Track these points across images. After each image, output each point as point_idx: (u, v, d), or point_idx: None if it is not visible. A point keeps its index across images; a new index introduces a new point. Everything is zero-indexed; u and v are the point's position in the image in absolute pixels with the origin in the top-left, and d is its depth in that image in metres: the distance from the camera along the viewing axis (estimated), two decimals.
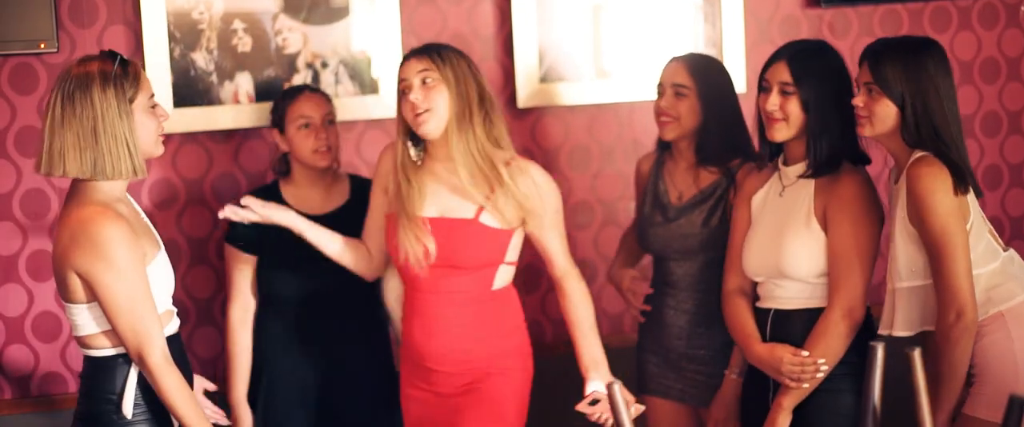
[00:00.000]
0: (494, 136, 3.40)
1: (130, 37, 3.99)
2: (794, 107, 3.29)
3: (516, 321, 3.53)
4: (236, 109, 4.03)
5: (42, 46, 3.87)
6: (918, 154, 3.12)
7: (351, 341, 3.80)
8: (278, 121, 3.81)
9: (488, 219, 3.40)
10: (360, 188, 3.86)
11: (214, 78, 4.04)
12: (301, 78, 4.08)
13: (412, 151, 3.45)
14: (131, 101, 2.97)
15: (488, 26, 4.27)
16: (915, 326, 3.20)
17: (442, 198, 3.43)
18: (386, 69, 4.16)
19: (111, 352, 3.03)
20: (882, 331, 3.24)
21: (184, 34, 4.00)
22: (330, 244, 3.59)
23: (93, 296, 2.97)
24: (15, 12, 3.84)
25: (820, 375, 3.28)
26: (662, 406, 3.78)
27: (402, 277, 3.52)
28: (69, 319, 3.05)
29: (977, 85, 4.67)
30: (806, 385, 3.30)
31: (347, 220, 3.76)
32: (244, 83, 4.06)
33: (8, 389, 4.02)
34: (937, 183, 3.07)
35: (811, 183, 3.33)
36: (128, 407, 3.01)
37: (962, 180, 3.11)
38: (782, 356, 3.30)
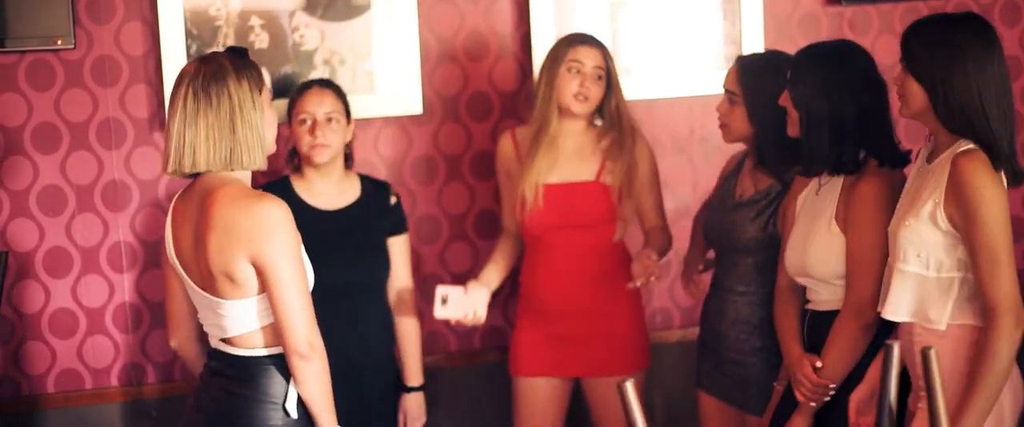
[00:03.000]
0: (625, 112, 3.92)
1: (147, 34, 3.99)
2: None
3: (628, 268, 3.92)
4: None
5: (59, 43, 3.87)
6: (965, 145, 2.96)
7: (360, 334, 3.79)
8: (287, 116, 3.84)
9: (607, 180, 3.89)
10: (371, 187, 3.88)
11: None
12: (318, 75, 4.08)
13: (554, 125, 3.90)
14: (260, 93, 2.96)
15: (506, 23, 4.26)
16: (903, 313, 3.06)
17: (565, 166, 3.89)
18: (402, 67, 4.15)
19: (272, 351, 2.95)
20: (879, 307, 3.14)
21: (201, 31, 4.00)
22: (500, 275, 3.99)
23: (262, 287, 2.89)
24: (32, 8, 3.84)
25: (826, 398, 3.28)
26: (709, 402, 3.79)
27: (528, 235, 3.93)
28: (223, 319, 2.95)
29: None
30: (813, 404, 3.30)
31: (359, 216, 3.81)
32: None
33: (25, 386, 4.02)
34: (989, 180, 2.91)
35: (839, 184, 3.30)
36: (293, 404, 2.94)
37: (1012, 173, 2.97)
38: (802, 367, 3.31)
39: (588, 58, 3.84)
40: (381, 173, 4.19)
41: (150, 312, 4.07)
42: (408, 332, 3.94)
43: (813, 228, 3.33)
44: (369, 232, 3.84)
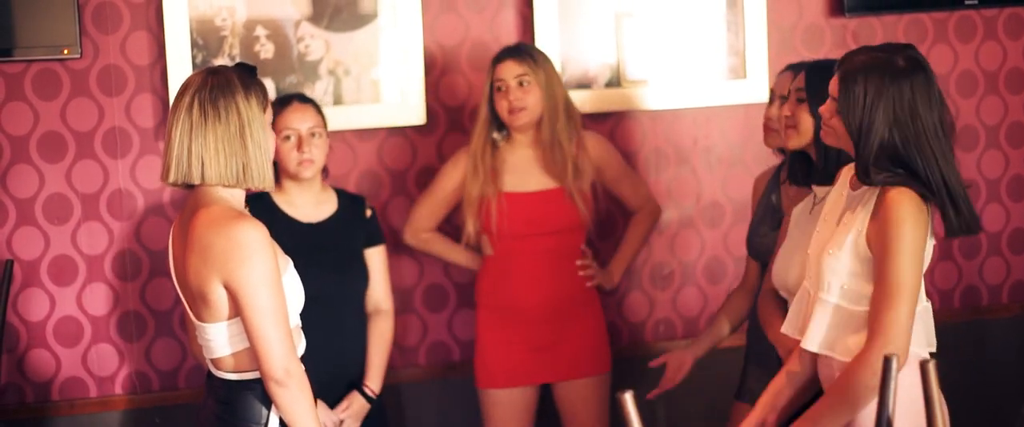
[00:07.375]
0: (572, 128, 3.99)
1: (153, 44, 4.00)
2: (805, 116, 3.29)
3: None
4: None
5: (65, 52, 3.89)
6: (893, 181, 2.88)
7: (339, 344, 3.76)
8: None
9: (566, 186, 3.96)
10: (347, 201, 3.85)
11: None
12: (323, 85, 4.09)
13: (496, 136, 3.98)
14: (264, 112, 2.92)
15: (510, 34, 4.27)
16: (822, 345, 2.96)
17: (525, 176, 3.96)
18: (407, 77, 4.16)
19: (249, 376, 2.90)
20: (798, 336, 3.05)
21: (207, 41, 4.01)
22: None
23: (236, 311, 2.84)
24: (39, 18, 3.86)
25: None
26: None
27: (496, 244, 3.97)
28: (204, 340, 2.93)
29: (1002, 95, 4.64)
30: None
31: (337, 229, 3.79)
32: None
33: (30, 393, 4.04)
34: (913, 217, 2.81)
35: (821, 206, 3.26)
36: None
37: (960, 221, 2.86)
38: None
39: (507, 72, 3.89)
40: (385, 183, 4.20)
41: (154, 320, 4.09)
42: (380, 334, 3.85)
43: (801, 246, 3.30)
44: (347, 244, 3.82)
